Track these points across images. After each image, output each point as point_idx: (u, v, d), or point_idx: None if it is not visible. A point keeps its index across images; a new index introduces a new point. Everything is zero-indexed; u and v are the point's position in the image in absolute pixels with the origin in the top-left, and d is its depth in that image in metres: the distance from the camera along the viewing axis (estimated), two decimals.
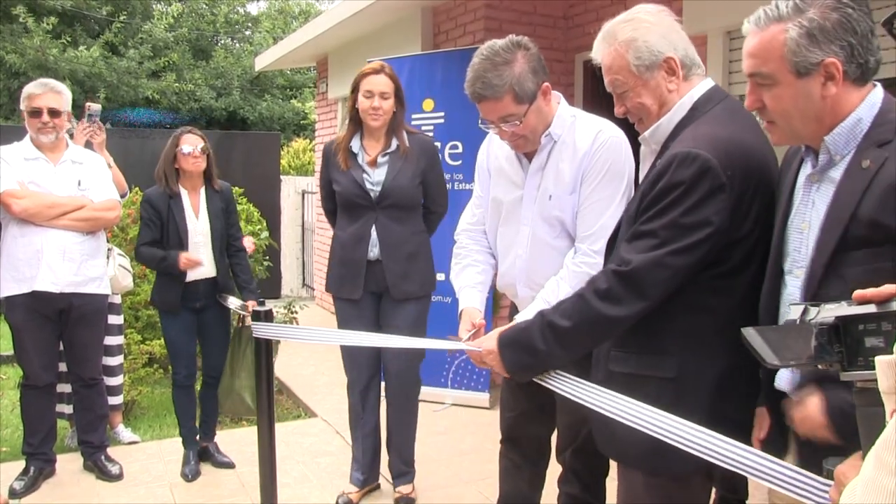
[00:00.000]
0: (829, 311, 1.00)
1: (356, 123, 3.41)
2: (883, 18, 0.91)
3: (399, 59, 5.21)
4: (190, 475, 3.90)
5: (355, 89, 3.36)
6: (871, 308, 0.97)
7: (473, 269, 2.64)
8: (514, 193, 2.49)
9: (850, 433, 1.37)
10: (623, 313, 1.75)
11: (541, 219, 2.42)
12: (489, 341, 2.01)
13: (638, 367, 1.81)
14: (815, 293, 1.53)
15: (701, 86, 1.89)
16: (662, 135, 1.89)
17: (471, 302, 2.55)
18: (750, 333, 1.10)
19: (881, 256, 1.45)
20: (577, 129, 2.40)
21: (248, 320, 3.80)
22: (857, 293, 0.98)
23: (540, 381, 1.93)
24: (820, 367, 1.01)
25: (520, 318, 2.26)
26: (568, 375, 1.88)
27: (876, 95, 1.53)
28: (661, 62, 1.85)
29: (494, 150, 2.61)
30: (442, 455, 4.19)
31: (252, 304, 3.55)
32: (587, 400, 1.77)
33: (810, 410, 1.48)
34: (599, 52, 1.93)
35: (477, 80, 2.26)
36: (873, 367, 0.82)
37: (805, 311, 1.03)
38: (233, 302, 3.87)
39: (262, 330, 2.72)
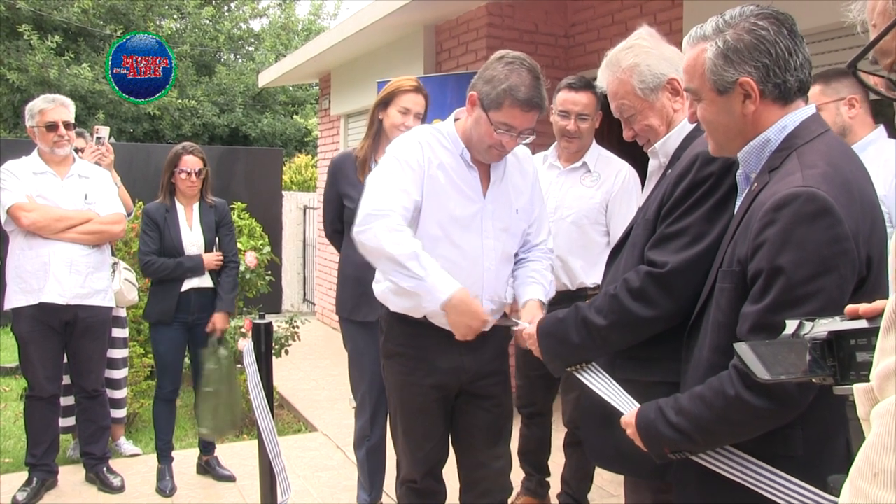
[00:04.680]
0: (823, 326, 1.02)
1: (376, 138, 3.25)
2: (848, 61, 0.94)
3: None
4: (167, 490, 3.88)
5: (388, 103, 3.19)
6: (863, 323, 0.99)
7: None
8: (473, 207, 2.36)
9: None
10: (655, 314, 1.77)
11: (508, 232, 2.42)
12: (531, 325, 2.07)
13: (656, 375, 1.81)
14: (703, 303, 1.60)
15: None
16: (672, 146, 1.95)
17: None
18: (742, 349, 1.12)
19: (726, 276, 1.51)
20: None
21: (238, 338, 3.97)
22: (848, 308, 1.00)
23: (574, 373, 1.94)
24: (814, 380, 1.04)
25: (527, 297, 2.34)
26: (602, 372, 1.89)
27: (792, 118, 1.53)
28: (665, 83, 1.93)
29: (431, 155, 2.35)
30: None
31: (218, 321, 3.83)
32: (618, 399, 1.78)
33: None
34: (604, 80, 2.00)
35: (539, 92, 2.22)
36: (865, 382, 0.85)
37: (800, 326, 1.06)
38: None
39: (248, 356, 2.72)
